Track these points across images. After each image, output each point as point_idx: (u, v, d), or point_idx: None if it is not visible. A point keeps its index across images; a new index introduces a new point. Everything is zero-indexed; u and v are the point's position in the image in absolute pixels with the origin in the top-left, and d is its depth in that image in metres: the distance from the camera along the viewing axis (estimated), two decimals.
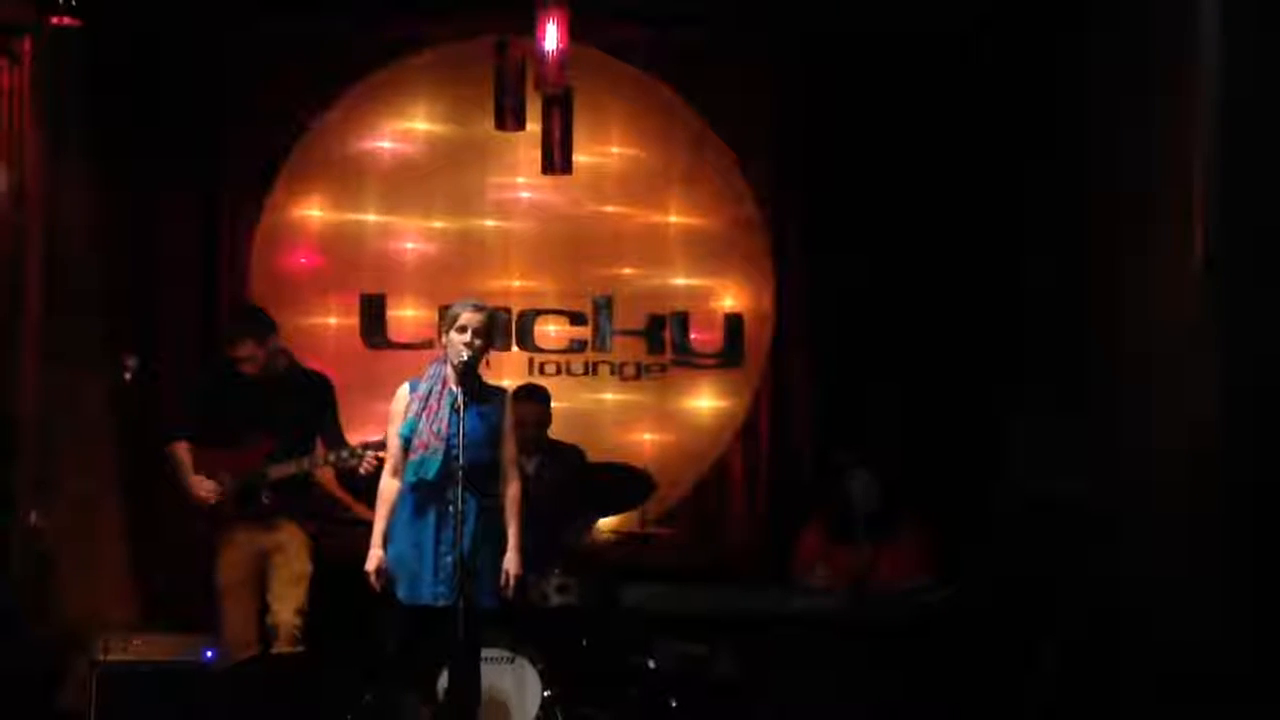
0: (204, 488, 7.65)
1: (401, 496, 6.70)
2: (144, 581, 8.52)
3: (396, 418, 6.75)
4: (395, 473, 6.72)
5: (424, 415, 6.62)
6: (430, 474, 6.59)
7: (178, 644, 7.80)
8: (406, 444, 6.65)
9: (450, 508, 6.53)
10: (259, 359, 7.77)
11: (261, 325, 7.89)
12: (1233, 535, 6.44)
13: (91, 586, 8.28)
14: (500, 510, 6.73)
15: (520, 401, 7.74)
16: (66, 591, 8.15)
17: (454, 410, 6.58)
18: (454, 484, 6.52)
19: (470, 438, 6.56)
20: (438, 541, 6.57)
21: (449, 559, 6.53)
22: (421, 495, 6.64)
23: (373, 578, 6.66)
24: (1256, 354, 6.37)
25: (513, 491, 6.77)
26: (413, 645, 6.70)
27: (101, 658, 7.69)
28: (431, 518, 6.59)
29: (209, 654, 7.74)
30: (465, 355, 6.61)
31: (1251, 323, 6.41)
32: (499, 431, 6.76)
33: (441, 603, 6.54)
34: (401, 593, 6.62)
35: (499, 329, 8.22)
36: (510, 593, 6.70)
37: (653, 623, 7.82)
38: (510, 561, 6.70)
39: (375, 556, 6.65)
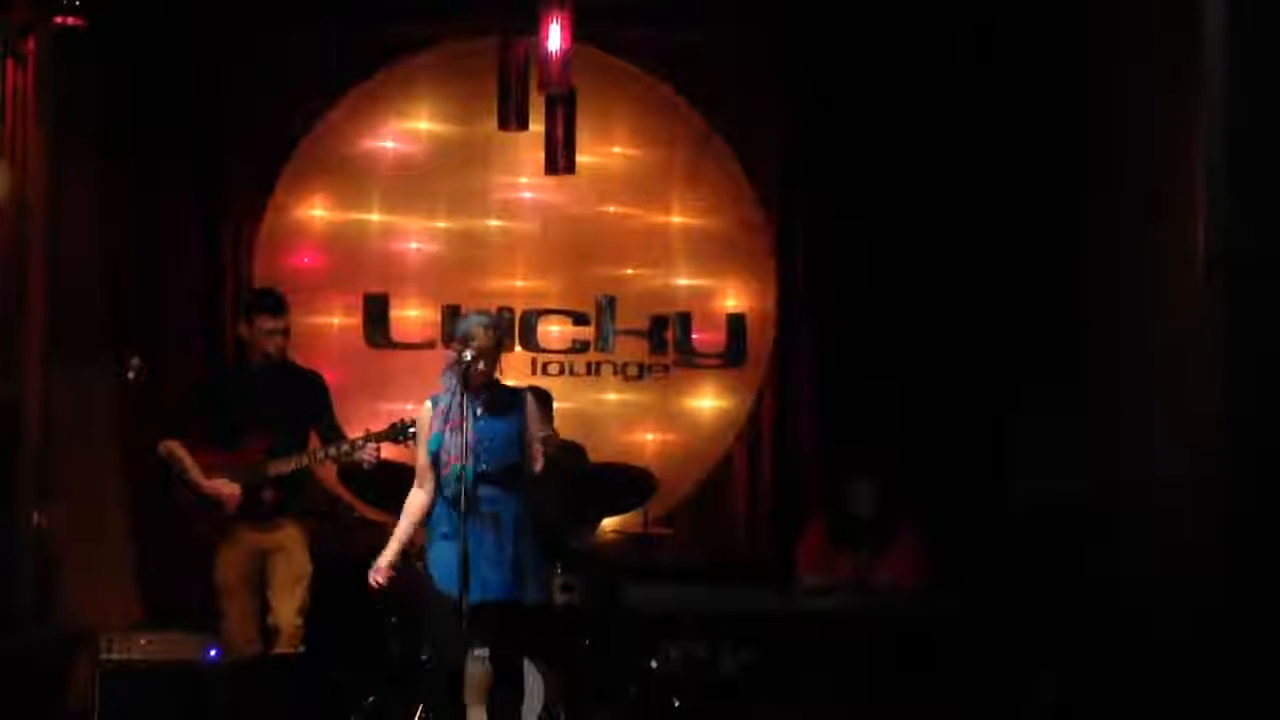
0: (224, 489, 7.64)
1: (443, 508, 6.69)
2: (149, 580, 8.55)
3: (423, 433, 6.76)
4: (422, 485, 6.75)
5: (448, 430, 6.62)
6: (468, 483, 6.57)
7: (182, 643, 7.81)
8: (435, 459, 6.66)
9: (488, 508, 6.56)
10: (287, 337, 7.80)
11: (285, 301, 7.96)
12: (1233, 535, 6.44)
13: (96, 585, 8.29)
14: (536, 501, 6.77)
15: None
16: (71, 590, 8.17)
17: (476, 419, 6.58)
18: (485, 485, 6.56)
19: (496, 442, 6.62)
20: (483, 542, 6.55)
21: (497, 556, 6.56)
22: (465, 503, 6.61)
23: (372, 575, 6.69)
24: (1258, 353, 6.39)
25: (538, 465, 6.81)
26: (454, 647, 6.61)
27: (106, 656, 7.71)
28: (475, 521, 6.55)
29: (213, 653, 7.75)
30: (479, 380, 6.61)
31: (1253, 322, 6.42)
32: (524, 431, 6.75)
33: (492, 597, 6.53)
34: (452, 592, 6.52)
35: (506, 333, 8.18)
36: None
37: (655, 623, 7.82)
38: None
39: (386, 557, 6.69)
